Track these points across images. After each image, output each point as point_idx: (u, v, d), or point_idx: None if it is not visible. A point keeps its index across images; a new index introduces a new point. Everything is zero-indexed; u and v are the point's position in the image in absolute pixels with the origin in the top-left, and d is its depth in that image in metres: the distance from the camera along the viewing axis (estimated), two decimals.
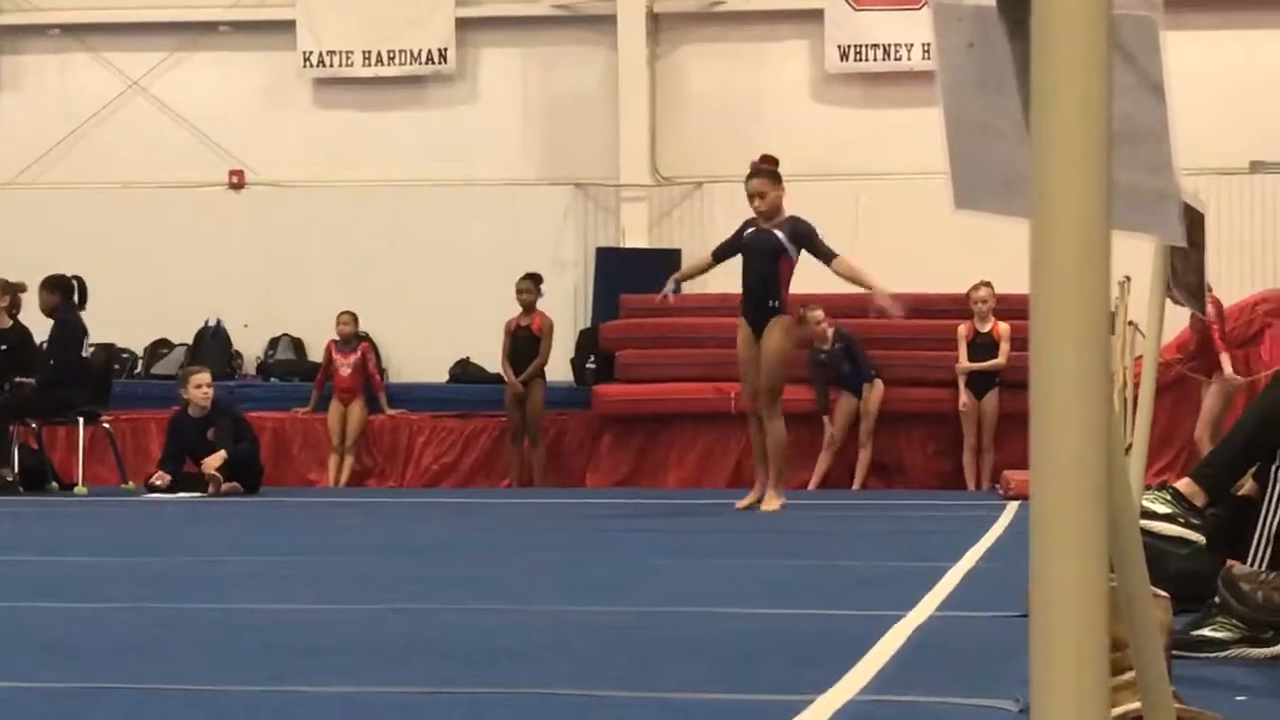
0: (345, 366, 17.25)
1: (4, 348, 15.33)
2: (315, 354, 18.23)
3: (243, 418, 15.32)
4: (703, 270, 13.12)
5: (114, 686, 4.48)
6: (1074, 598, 1.06)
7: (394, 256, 18.67)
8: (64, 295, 15.58)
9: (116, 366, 17.44)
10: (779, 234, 12.12)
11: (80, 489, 15.14)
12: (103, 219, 18.90)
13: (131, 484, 15.68)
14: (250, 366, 18.71)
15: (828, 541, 10.19)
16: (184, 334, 18.69)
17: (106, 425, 15.91)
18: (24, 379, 15.17)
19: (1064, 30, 1.01)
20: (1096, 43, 1.02)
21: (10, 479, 14.90)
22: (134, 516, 12.66)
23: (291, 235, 18.88)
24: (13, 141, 19.24)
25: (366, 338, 17.68)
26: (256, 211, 19.10)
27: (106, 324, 16.34)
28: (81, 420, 15.39)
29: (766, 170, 12.37)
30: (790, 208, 18.61)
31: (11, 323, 15.53)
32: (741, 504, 12.41)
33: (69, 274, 15.85)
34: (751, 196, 12.28)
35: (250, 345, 18.71)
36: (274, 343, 18.75)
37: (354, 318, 17.47)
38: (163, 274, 18.72)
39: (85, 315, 15.71)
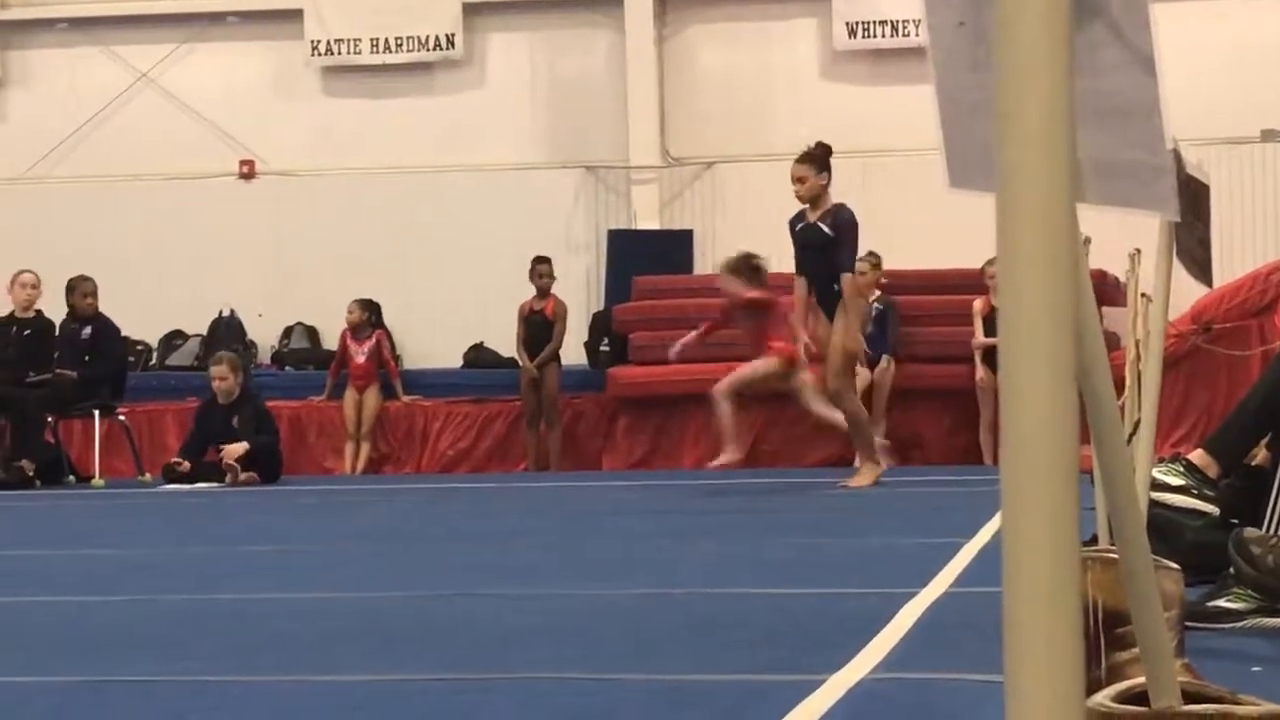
0: (360, 354, 17.25)
1: (28, 333, 15.39)
2: (330, 342, 18.25)
3: (265, 409, 15.33)
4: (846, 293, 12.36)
5: (128, 679, 4.49)
6: (1044, 571, 1.06)
7: (406, 243, 18.68)
8: (91, 293, 15.66)
9: (131, 359, 17.46)
10: (823, 226, 12.06)
11: (97, 481, 15.18)
12: (114, 212, 18.92)
13: (148, 476, 15.71)
14: (265, 355, 18.74)
15: (841, 519, 10.19)
16: (198, 325, 18.72)
17: (122, 418, 15.93)
18: (64, 371, 15.22)
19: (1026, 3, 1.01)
20: (1058, 17, 1.02)
21: (30, 473, 14.94)
22: (150, 508, 12.68)
23: (303, 224, 18.90)
24: (22, 136, 19.26)
25: (380, 325, 17.68)
26: (267, 201, 19.11)
27: (120, 316, 16.35)
28: (97, 413, 15.43)
29: (811, 156, 12.27)
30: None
31: (34, 313, 15.58)
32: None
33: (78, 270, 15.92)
34: (792, 181, 12.21)
35: (265, 334, 18.73)
36: (288, 331, 18.77)
37: (364, 306, 17.46)
38: (175, 265, 18.74)
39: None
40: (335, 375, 17.36)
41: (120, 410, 15.90)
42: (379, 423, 17.21)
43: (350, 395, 17.14)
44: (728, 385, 13.29)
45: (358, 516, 11.28)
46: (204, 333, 18.65)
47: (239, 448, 14.62)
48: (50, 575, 7.62)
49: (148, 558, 8.44)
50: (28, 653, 5.06)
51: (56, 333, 15.61)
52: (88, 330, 15.56)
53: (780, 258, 18.07)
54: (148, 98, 19.31)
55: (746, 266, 14.48)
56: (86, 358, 15.45)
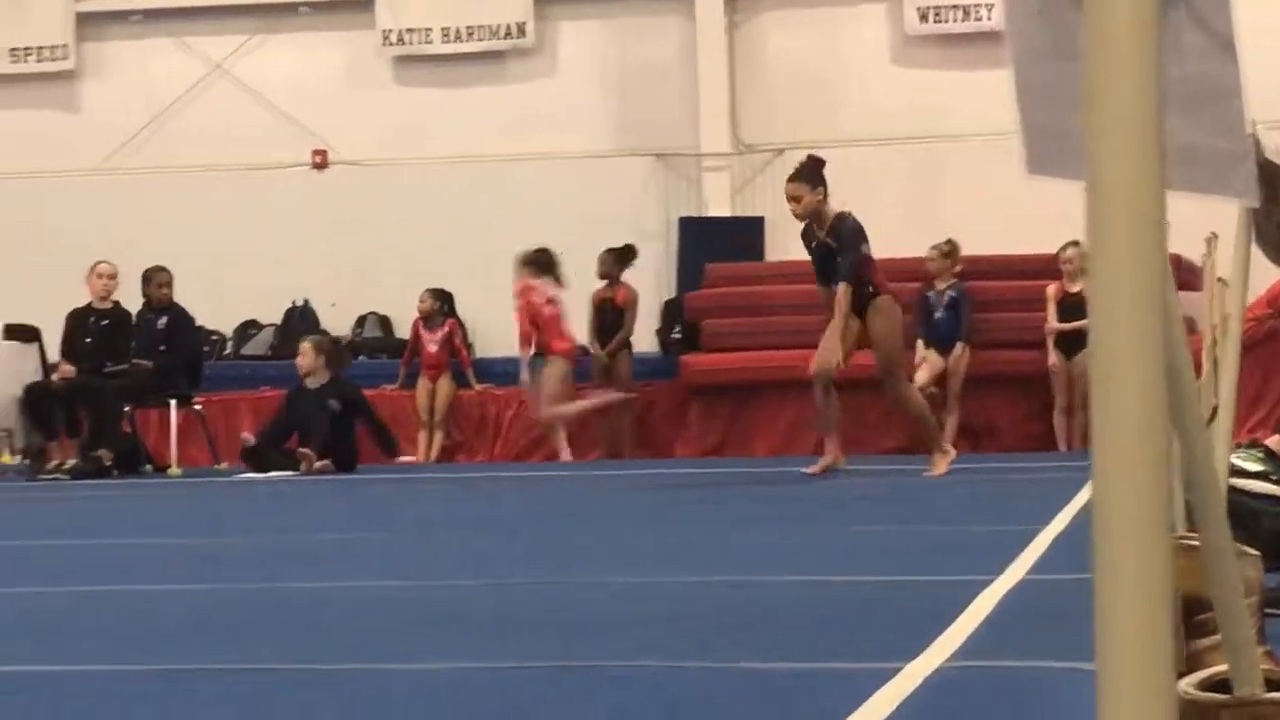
0: (432, 343, 17.32)
1: (105, 323, 15.53)
2: (402, 331, 18.32)
3: (356, 394, 15.38)
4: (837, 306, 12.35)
5: (204, 668, 4.52)
6: (1134, 558, 1.06)
7: (477, 232, 18.72)
8: (167, 284, 15.78)
9: (206, 349, 17.58)
10: (832, 243, 11.95)
11: (174, 470, 15.29)
12: (188, 203, 19.04)
13: (224, 464, 15.82)
14: None
15: (915, 506, 10.16)
16: (272, 315, 18.83)
17: (198, 407, 16.04)
18: (140, 361, 15.35)
19: None
20: (1146, 3, 1.02)
21: (107, 462, 15.07)
22: (226, 497, 12.76)
23: (375, 213, 18.97)
24: (97, 128, 19.41)
25: (453, 314, 17.73)
26: (340, 191, 19.19)
27: (195, 307, 16.46)
28: (174, 403, 15.53)
29: (802, 173, 12.10)
30: (874, 171, 18.61)
31: (113, 304, 15.70)
32: (812, 469, 12.38)
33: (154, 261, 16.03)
34: (787, 200, 12.12)
35: (338, 324, 18.81)
36: (361, 320, 18.85)
37: (436, 295, 17.51)
38: (249, 255, 18.84)
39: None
40: (408, 364, 17.42)
41: (196, 400, 16.00)
42: (452, 411, 17.27)
43: (423, 384, 17.20)
44: (558, 415, 14.15)
45: (432, 504, 11.32)
46: (278, 322, 18.76)
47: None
48: (126, 563, 7.68)
49: (223, 546, 8.50)
50: (106, 641, 5.11)
51: (134, 323, 15.73)
52: (163, 320, 15.67)
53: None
54: (221, 89, 19.42)
55: (541, 261, 14.95)
56: (162, 348, 15.56)
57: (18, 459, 15.57)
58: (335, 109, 19.18)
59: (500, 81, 19.05)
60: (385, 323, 18.93)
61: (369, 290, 18.83)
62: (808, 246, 12.14)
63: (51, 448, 15.33)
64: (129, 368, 15.35)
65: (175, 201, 19.05)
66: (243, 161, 19.17)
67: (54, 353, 16.06)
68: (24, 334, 16.02)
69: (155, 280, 15.84)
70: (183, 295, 16.02)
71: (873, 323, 12.00)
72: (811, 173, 12.03)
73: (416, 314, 17.56)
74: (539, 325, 15.29)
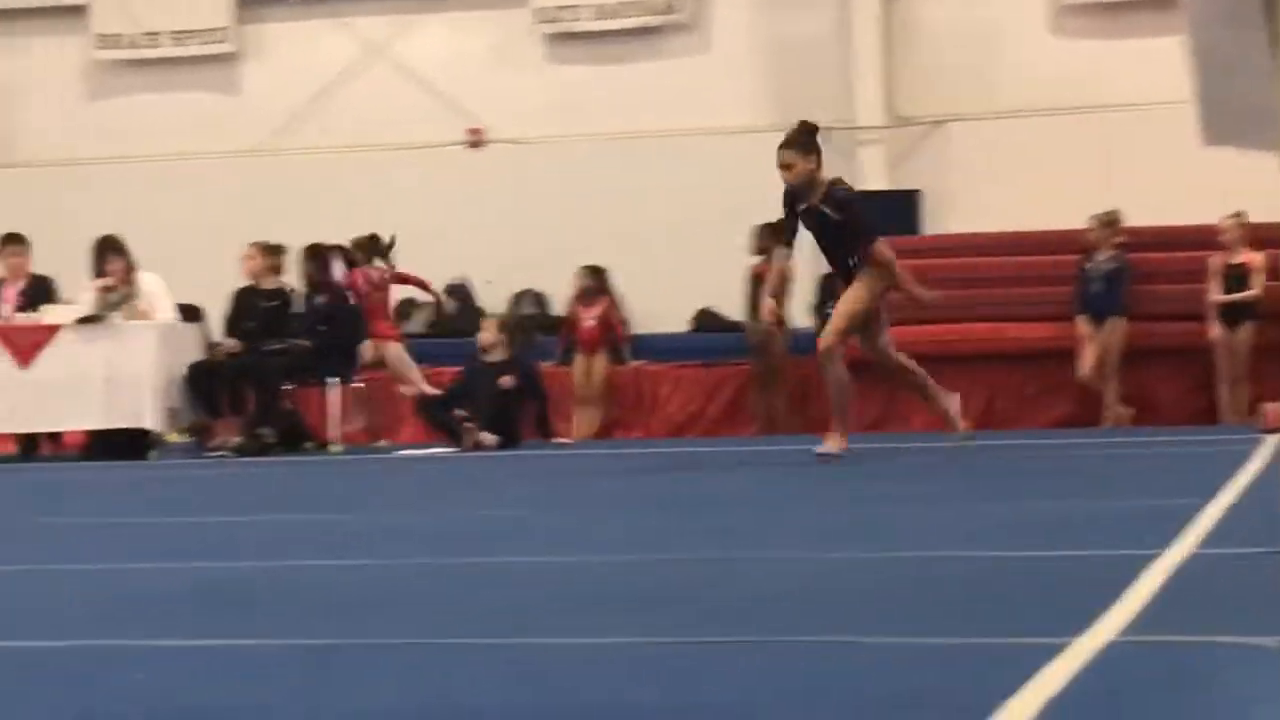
0: (588, 319, 17.37)
1: (275, 304, 15.71)
2: (558, 308, 18.39)
3: (535, 372, 15.49)
4: (786, 268, 12.43)
5: (379, 642, 4.58)
6: None
7: (632, 208, 18.75)
8: (326, 263, 15.94)
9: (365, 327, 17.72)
10: (827, 210, 11.63)
11: (335, 448, 15.45)
12: (346, 182, 19.23)
13: (384, 441, 15.96)
14: None
15: (1075, 480, 10.07)
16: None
17: (359, 385, 16.18)
18: (297, 340, 15.53)
19: None
20: None
21: (271, 440, 15.25)
22: (388, 473, 12.88)
23: (530, 191, 19.05)
24: (258, 108, 19.65)
25: (608, 290, 17.77)
26: (495, 169, 19.29)
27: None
28: (334, 380, 15.69)
29: (795, 140, 11.76)
30: (1032, 142, 18.44)
31: (276, 284, 15.88)
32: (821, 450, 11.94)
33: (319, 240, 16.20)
34: (779, 167, 11.74)
35: (494, 301, 18.92)
36: (518, 298, 18.94)
37: (591, 272, 17.55)
38: (406, 234, 18.93)
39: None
40: (564, 341, 17.49)
41: (356, 377, 16.15)
42: (608, 387, 17.31)
43: (579, 360, 17.26)
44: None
45: (593, 481, 11.36)
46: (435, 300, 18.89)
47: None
48: (295, 539, 7.77)
49: (387, 522, 8.58)
50: (284, 615, 5.18)
51: (295, 302, 15.90)
52: (322, 299, 15.83)
53: (1008, 216, 17.90)
54: (377, 69, 19.59)
55: (373, 247, 14.97)
56: (322, 327, 15.71)
57: (183, 437, 15.80)
58: (489, 88, 19.27)
59: (653, 58, 19.05)
60: (541, 299, 19.01)
61: (524, 267, 18.92)
62: (795, 210, 11.73)
63: (216, 425, 15.54)
64: (289, 346, 15.53)
65: (333, 181, 19.25)
66: (399, 141, 19.32)
67: (217, 332, 16.28)
68: (187, 313, 16.25)
69: (314, 259, 15.99)
70: (341, 273, 16.16)
71: (854, 286, 11.68)
72: (804, 139, 11.75)
73: (572, 291, 17.62)
74: (369, 311, 15.90)
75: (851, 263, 11.71)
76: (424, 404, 15.30)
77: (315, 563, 6.67)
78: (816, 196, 11.62)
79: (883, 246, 11.77)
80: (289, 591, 5.79)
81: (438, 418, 15.07)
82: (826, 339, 11.87)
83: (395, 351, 16.08)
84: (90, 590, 6.02)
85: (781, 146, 11.79)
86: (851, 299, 11.74)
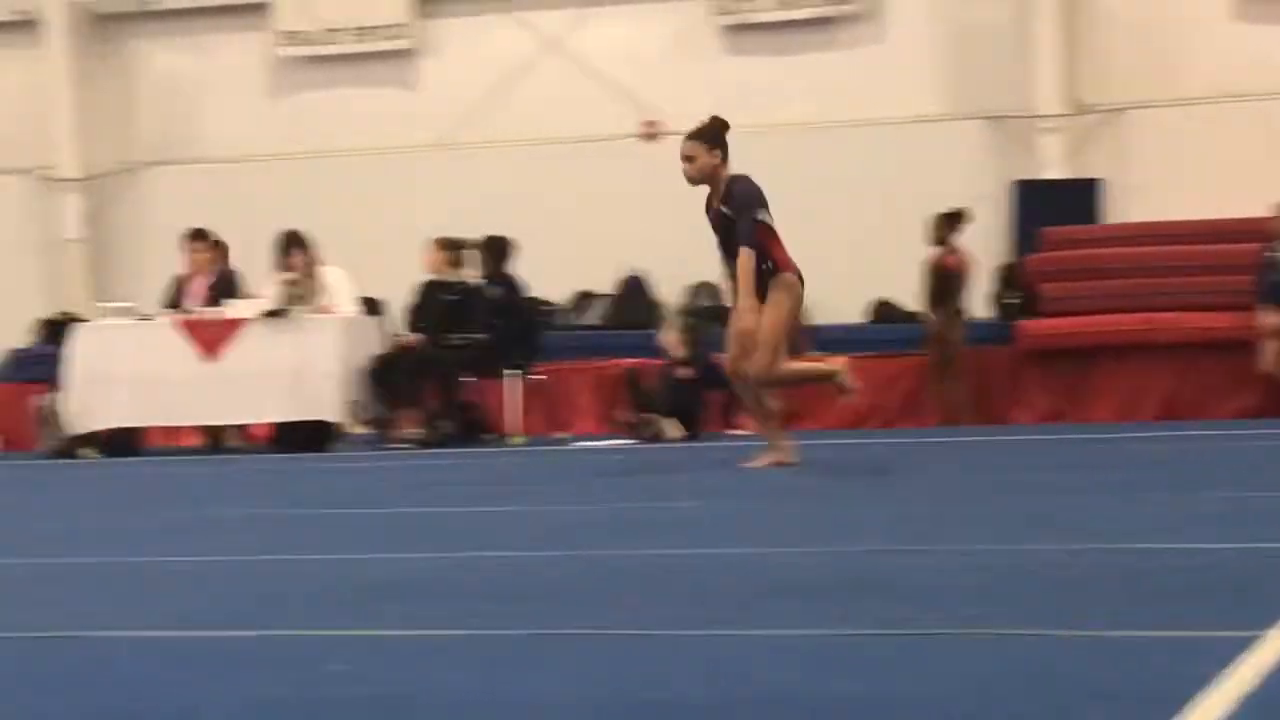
0: None
1: (456, 298, 15.88)
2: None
3: (713, 364, 15.57)
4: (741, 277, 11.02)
5: (563, 633, 4.63)
6: None
7: (809, 198, 18.70)
8: (504, 256, 16.07)
9: (543, 320, 17.85)
10: (725, 209, 10.97)
11: (517, 439, 15.57)
12: (524, 176, 19.36)
13: (564, 434, 16.06)
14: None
15: (1267, 473, 9.92)
16: (607, 285, 19.05)
17: (538, 377, 16.29)
18: (477, 333, 15.68)
19: None
20: None
21: (451, 431, 15.41)
22: (569, 465, 12.96)
23: None
24: (437, 103, 19.84)
25: None
26: (672, 161, 19.28)
27: (532, 277, 16.74)
28: (513, 372, 15.81)
29: (703, 132, 11.12)
30: (1216, 129, 18.15)
31: (458, 278, 16.04)
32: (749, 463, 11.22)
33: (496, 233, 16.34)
34: (681, 159, 11.13)
35: (670, 293, 18.96)
36: (695, 290, 18.96)
37: None
38: (584, 226, 19.09)
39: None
40: None
41: (535, 370, 16.26)
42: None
43: None
44: None
45: (774, 472, 11.34)
46: (613, 292, 18.98)
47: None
48: (481, 530, 7.86)
49: (570, 514, 8.65)
50: (474, 604, 5.25)
51: (476, 296, 16.05)
52: (500, 291, 15.96)
53: (1189, 204, 17.66)
54: (554, 63, 19.70)
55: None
56: (500, 319, 15.83)
57: (366, 429, 16.01)
58: (666, 80, 19.31)
59: (829, 48, 19.00)
60: (715, 291, 19.02)
61: (700, 259, 18.92)
62: (708, 217, 11.16)
63: (398, 417, 15.73)
64: (469, 339, 15.68)
65: (511, 175, 19.39)
66: (575, 134, 19.42)
67: (400, 325, 16.49)
68: (369, 307, 16.47)
69: (492, 252, 16.12)
70: (520, 266, 16.29)
71: (771, 296, 10.84)
72: (712, 133, 11.12)
73: None
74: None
75: (765, 267, 10.86)
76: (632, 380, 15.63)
77: (492, 554, 6.74)
78: (718, 197, 10.99)
79: (746, 258, 10.81)
80: (472, 582, 5.86)
81: (644, 399, 15.32)
82: (758, 372, 10.89)
83: None
84: (323, 579, 6.15)
85: (688, 137, 11.14)
86: (766, 326, 10.76)
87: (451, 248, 16.09)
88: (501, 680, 4.00)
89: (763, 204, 10.99)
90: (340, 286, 15.81)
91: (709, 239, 19.40)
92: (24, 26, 20.60)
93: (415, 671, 4.14)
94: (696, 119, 19.03)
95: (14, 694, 4.09)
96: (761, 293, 10.82)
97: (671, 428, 14.94)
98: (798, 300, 11.07)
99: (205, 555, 7.08)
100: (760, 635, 4.47)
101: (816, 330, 17.76)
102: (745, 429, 16.15)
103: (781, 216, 18.46)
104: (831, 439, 15.23)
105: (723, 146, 11.09)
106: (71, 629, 5.02)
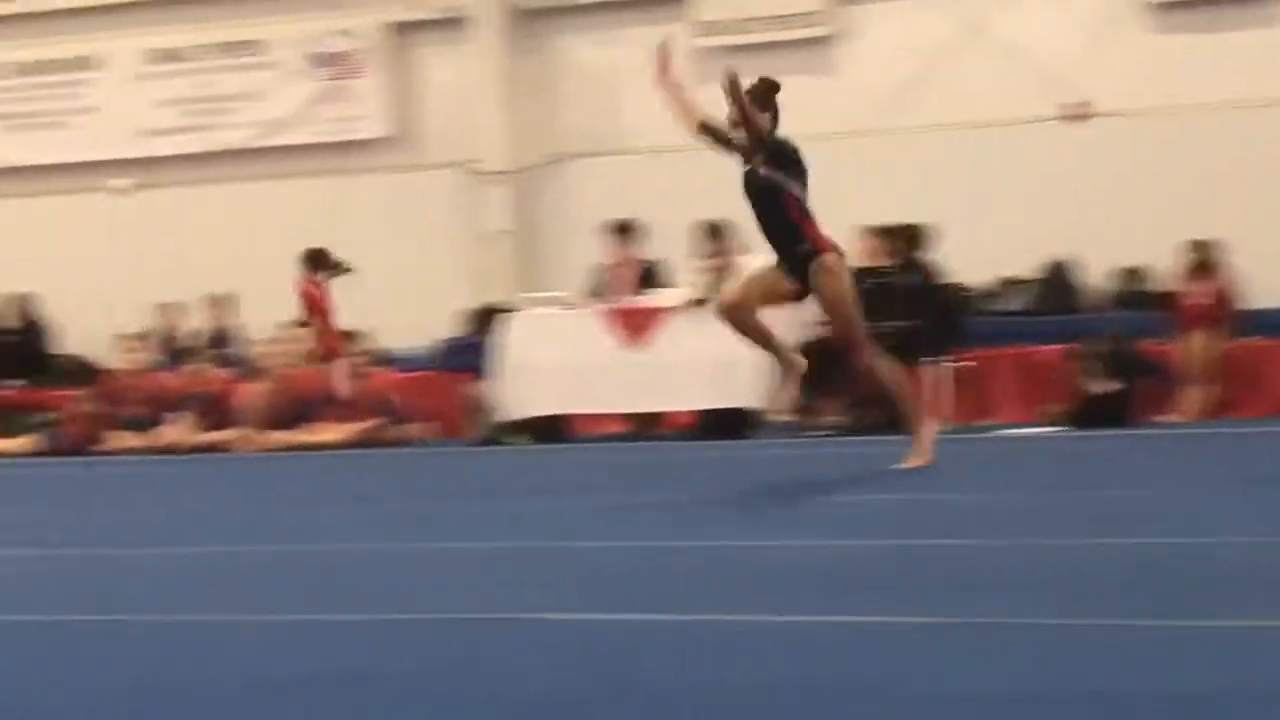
0: (1198, 296, 16.89)
1: (876, 284, 15.82)
2: (1161, 284, 17.95)
3: (1141, 359, 15.32)
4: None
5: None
6: None
7: (1238, 179, 18.17)
8: (918, 243, 15.97)
9: (966, 305, 17.65)
10: (765, 173, 10.46)
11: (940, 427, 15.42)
12: (945, 160, 19.19)
13: (989, 421, 15.86)
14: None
15: None
16: (1031, 270, 18.79)
17: (964, 364, 16.09)
18: (897, 322, 15.62)
19: None
20: None
21: (873, 420, 15.34)
22: (991, 453, 12.78)
23: (1130, 164, 18.64)
24: (856, 89, 19.79)
25: (1221, 264, 17.22)
26: (1098, 143, 18.95)
27: (954, 263, 16.56)
28: (930, 360, 15.65)
29: (750, 91, 10.45)
30: None
31: (896, 265, 15.95)
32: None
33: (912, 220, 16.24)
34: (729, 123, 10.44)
35: (1093, 277, 18.59)
36: (1123, 274, 18.58)
37: (1198, 246, 17.07)
38: (1008, 211, 18.83)
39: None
40: (1175, 317, 17.06)
41: (960, 357, 16.07)
42: (1220, 365, 16.79)
43: (1189, 337, 16.81)
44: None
45: (1209, 462, 11.03)
46: (1038, 277, 18.71)
47: None
48: (941, 520, 7.80)
49: (989, 501, 8.54)
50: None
51: (893, 283, 15.96)
52: (915, 279, 15.83)
53: None
54: (975, 45, 19.48)
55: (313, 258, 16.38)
56: (916, 306, 15.69)
57: (786, 416, 16.03)
58: (1092, 60, 18.95)
59: (1268, 23, 18.41)
60: (1139, 274, 18.60)
61: (1126, 243, 18.53)
62: (745, 179, 10.70)
63: (818, 405, 15.71)
64: (893, 326, 15.58)
65: (932, 159, 19.23)
66: (999, 117, 19.17)
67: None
68: None
69: (906, 239, 16.01)
70: (940, 253, 16.15)
71: (820, 280, 10.50)
72: (761, 95, 10.51)
73: (1180, 267, 17.16)
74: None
75: (801, 249, 10.49)
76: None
77: (934, 542, 6.68)
78: (762, 159, 10.40)
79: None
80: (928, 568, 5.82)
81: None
82: (860, 353, 10.68)
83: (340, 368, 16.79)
84: (731, 565, 6.18)
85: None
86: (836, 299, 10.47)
87: (886, 235, 16.03)
88: (920, 667, 3.93)
89: (803, 176, 10.52)
90: None
91: (1136, 223, 18.99)
92: (453, 24, 21.16)
93: (805, 658, 4.10)
94: (1122, 98, 18.80)
95: (472, 674, 4.16)
96: (798, 274, 10.45)
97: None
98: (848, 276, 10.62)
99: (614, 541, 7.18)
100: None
101: (1253, 315, 17.24)
102: (1175, 416, 15.78)
103: (1210, 197, 18.03)
104: (1267, 425, 14.76)
105: (773, 109, 10.50)
106: (513, 611, 5.12)
